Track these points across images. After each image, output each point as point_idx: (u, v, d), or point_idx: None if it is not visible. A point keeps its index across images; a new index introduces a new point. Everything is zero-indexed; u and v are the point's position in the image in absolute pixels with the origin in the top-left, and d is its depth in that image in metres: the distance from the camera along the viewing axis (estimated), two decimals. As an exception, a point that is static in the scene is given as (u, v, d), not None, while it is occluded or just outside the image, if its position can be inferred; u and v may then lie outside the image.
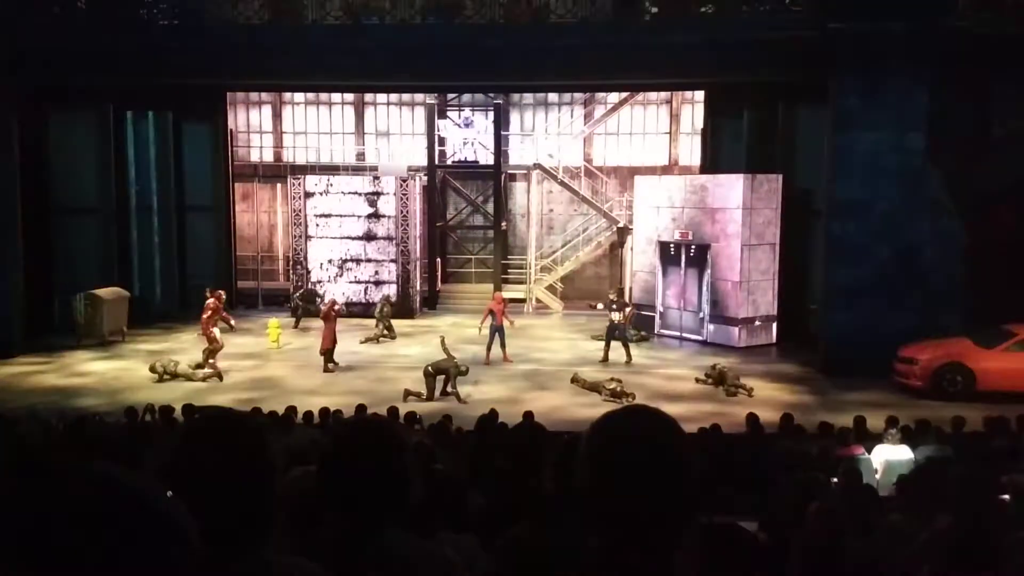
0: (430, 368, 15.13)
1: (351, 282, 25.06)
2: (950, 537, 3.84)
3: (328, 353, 17.46)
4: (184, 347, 19.50)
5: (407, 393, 14.90)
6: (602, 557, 1.50)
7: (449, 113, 29.29)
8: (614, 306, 18.39)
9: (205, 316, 17.67)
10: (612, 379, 15.72)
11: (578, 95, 29.51)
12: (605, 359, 18.29)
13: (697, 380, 16.43)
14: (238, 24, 19.20)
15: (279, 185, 29.54)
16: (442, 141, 28.11)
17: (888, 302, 17.16)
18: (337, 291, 24.77)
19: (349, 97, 30.74)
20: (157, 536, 0.89)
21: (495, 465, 7.94)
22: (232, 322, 20.17)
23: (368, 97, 30.59)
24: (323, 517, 1.98)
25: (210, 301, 17.91)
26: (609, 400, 14.79)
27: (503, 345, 18.33)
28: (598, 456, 1.56)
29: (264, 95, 30.68)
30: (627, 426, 1.60)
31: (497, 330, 18.20)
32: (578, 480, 1.56)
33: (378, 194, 24.95)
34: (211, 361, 17.14)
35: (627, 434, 1.58)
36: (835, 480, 7.38)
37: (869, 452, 9.24)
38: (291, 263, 26.15)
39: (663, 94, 29.40)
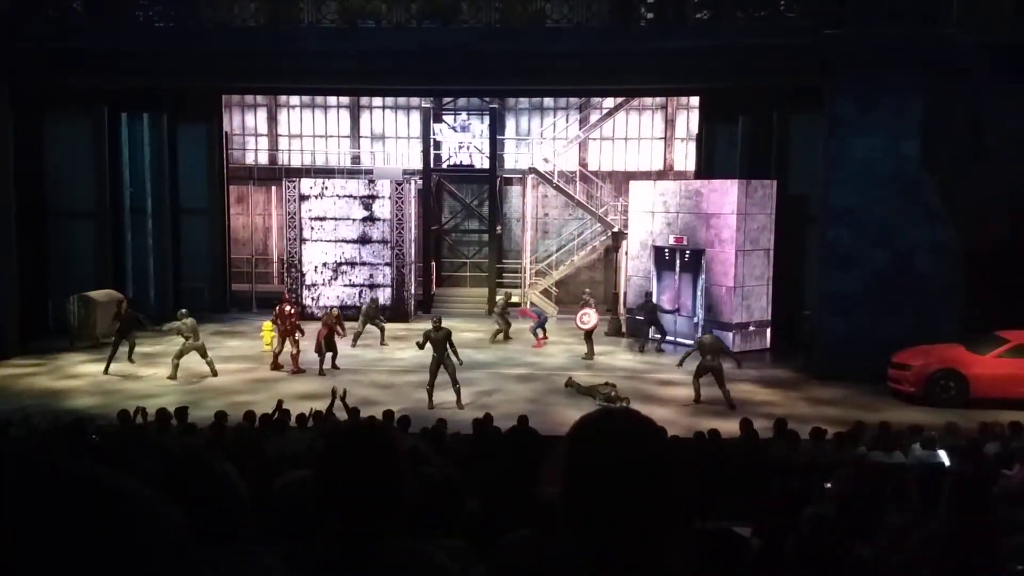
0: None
1: (346, 285, 25.06)
2: (946, 540, 3.85)
3: (323, 357, 17.50)
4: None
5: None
6: (593, 563, 1.50)
7: (445, 117, 29.32)
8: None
9: (289, 320, 17.64)
10: (606, 383, 15.75)
11: (574, 100, 29.58)
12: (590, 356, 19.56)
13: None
14: (234, 26, 19.19)
15: (274, 188, 29.54)
16: (437, 145, 28.12)
17: (882, 308, 17.21)
18: (332, 294, 24.80)
19: (345, 100, 30.75)
20: (147, 539, 0.88)
21: (490, 469, 7.93)
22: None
23: (364, 100, 30.60)
24: (317, 521, 1.98)
25: (288, 307, 18.02)
26: (603, 405, 14.79)
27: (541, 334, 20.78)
28: (573, 459, 1.55)
29: (259, 98, 30.67)
30: (602, 427, 1.58)
31: (540, 324, 20.88)
32: (559, 484, 1.55)
33: (373, 197, 24.95)
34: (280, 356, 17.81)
35: (602, 435, 1.56)
36: (828, 485, 7.39)
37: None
38: (286, 266, 26.12)
39: (658, 99, 29.48)
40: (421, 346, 15.37)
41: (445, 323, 15.81)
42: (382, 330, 20.93)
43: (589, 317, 19.67)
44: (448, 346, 15.08)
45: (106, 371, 17.35)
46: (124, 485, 0.89)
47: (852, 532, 4.84)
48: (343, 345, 18.94)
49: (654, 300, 21.18)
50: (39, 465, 0.88)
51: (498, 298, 23.28)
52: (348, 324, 21.11)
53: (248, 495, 2.17)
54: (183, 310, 17.70)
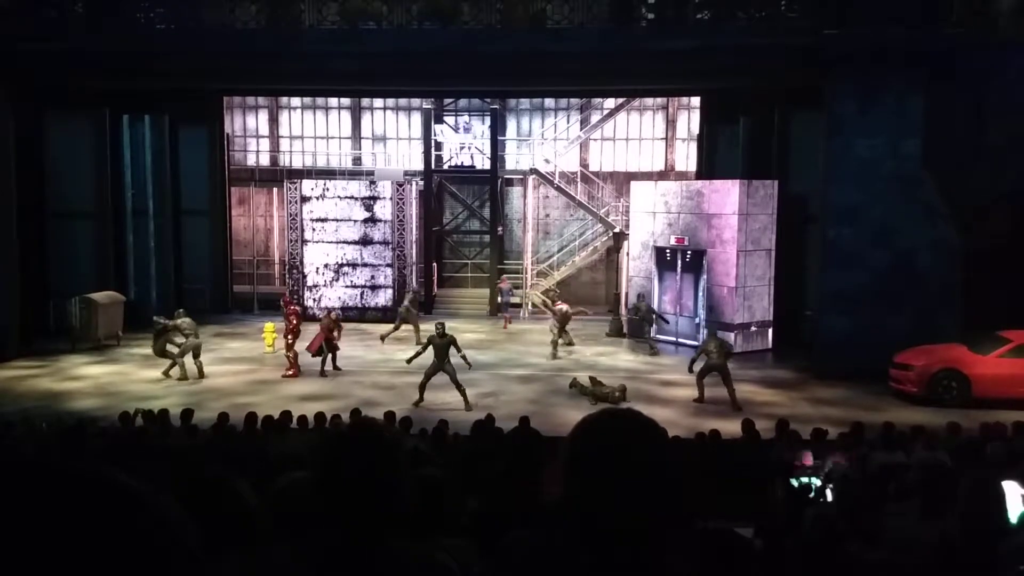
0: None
1: (347, 287, 25.07)
2: (950, 541, 3.85)
3: (324, 358, 17.49)
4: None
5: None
6: (594, 562, 1.50)
7: (446, 118, 29.34)
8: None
9: (291, 323, 17.70)
10: (608, 386, 15.74)
11: (575, 100, 29.59)
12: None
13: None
14: (235, 28, 19.19)
15: (275, 189, 29.56)
16: (439, 146, 28.13)
17: (883, 308, 17.20)
18: (333, 295, 24.83)
19: (346, 102, 30.77)
20: (153, 539, 0.89)
21: (491, 469, 7.93)
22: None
23: (365, 102, 30.62)
24: (317, 522, 1.98)
25: (294, 307, 18.31)
26: (605, 405, 14.76)
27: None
28: (575, 458, 1.55)
29: (261, 99, 30.70)
30: (604, 428, 1.59)
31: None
32: (561, 483, 1.55)
33: (375, 199, 24.96)
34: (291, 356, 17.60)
35: (604, 436, 1.56)
36: (830, 485, 7.39)
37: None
38: (287, 267, 26.14)
39: (659, 100, 29.48)
40: (418, 354, 15.38)
41: (447, 324, 15.82)
42: (396, 327, 20.74)
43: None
44: (454, 350, 15.04)
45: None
46: (130, 485, 0.89)
47: (854, 532, 4.84)
48: (348, 345, 18.94)
49: (649, 303, 21.27)
50: (43, 465, 0.88)
51: (556, 306, 20.92)
52: (351, 325, 21.17)
53: (258, 509, 2.18)
54: (180, 309, 17.73)
